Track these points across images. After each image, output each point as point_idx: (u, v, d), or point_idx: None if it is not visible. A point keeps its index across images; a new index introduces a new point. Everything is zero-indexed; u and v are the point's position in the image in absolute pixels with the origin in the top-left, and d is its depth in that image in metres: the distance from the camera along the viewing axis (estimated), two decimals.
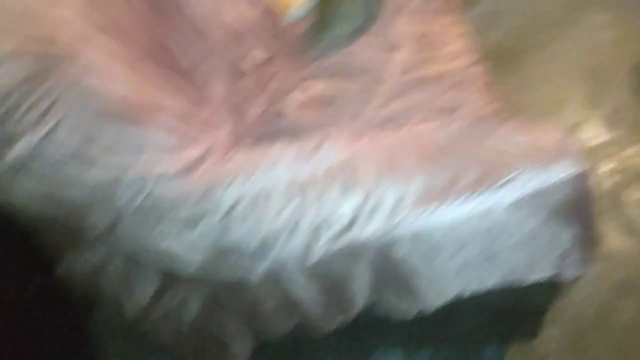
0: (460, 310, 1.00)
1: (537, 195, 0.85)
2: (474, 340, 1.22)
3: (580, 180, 0.87)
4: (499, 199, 0.84)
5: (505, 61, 1.79)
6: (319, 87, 1.22)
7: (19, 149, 0.75)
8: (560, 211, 0.87)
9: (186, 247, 0.82)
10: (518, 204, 0.84)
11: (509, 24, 1.94)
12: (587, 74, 1.75)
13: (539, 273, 0.93)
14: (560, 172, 0.85)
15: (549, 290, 1.03)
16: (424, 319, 0.93)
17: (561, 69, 1.80)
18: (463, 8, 1.45)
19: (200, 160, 0.86)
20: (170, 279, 0.89)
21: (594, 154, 1.56)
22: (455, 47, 1.26)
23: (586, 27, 1.87)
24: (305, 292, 0.88)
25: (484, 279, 0.91)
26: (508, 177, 0.84)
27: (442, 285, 0.91)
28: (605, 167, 1.54)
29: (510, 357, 1.24)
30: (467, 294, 0.91)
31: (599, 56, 1.82)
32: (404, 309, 0.92)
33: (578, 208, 0.90)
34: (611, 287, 1.33)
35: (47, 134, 0.75)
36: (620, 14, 1.90)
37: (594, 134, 1.62)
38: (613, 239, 1.40)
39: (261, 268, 0.84)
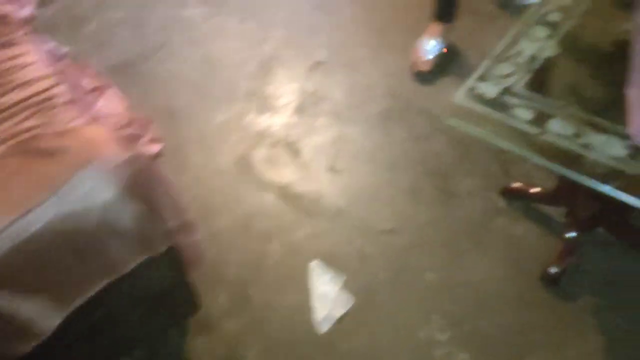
0: (115, 313, 1.21)
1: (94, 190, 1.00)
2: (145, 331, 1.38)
3: (132, 166, 1.04)
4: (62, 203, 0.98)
5: (126, 74, 2.10)
6: None
7: None
8: (126, 195, 1.04)
9: None
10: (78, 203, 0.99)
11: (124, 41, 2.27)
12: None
13: (132, 260, 1.11)
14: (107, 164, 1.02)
15: (170, 265, 1.22)
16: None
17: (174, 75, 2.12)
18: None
19: None
20: None
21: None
22: (32, 74, 1.25)
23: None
24: None
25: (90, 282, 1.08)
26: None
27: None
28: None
29: (193, 333, 1.46)
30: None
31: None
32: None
33: (140, 189, 1.06)
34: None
35: None
36: None
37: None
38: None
39: None
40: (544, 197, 1.55)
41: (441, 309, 1.42)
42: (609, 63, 1.23)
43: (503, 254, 1.49)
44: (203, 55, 2.20)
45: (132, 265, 1.10)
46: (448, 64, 1.97)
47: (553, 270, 1.41)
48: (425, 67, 1.94)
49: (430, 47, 1.95)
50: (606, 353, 1.29)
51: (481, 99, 1.16)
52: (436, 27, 1.95)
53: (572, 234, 1.42)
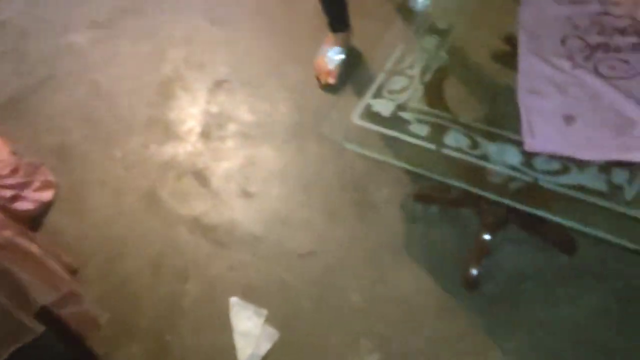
0: None
1: None
2: None
3: None
4: None
5: (9, 113, 1.99)
6: None
7: None
8: None
9: None
10: None
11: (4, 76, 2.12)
12: None
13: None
14: None
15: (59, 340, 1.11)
16: None
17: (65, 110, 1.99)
18: None
19: None
20: None
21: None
22: None
23: None
24: None
25: None
26: None
27: None
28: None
29: None
30: None
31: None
32: None
33: None
34: None
35: None
36: None
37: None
38: None
39: None
40: (456, 201, 1.55)
41: (369, 330, 1.38)
42: (502, 64, 1.24)
43: (425, 263, 1.48)
44: (95, 84, 2.05)
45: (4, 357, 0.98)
46: (352, 71, 1.94)
47: (472, 273, 1.41)
48: (329, 78, 1.90)
49: (331, 57, 1.91)
50: (531, 349, 1.30)
51: (377, 118, 1.13)
52: (334, 37, 1.91)
53: (486, 236, 1.43)
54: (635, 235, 0.93)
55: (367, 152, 1.12)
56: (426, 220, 1.56)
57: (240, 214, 1.65)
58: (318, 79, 1.93)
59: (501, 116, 1.15)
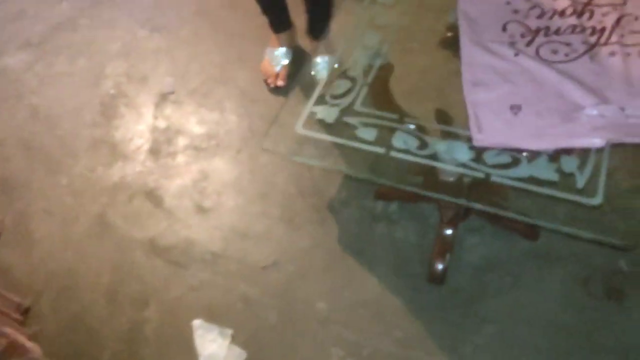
0: None
1: None
2: None
3: None
4: None
5: None
6: None
7: None
8: None
9: None
10: None
11: None
12: None
13: None
14: None
15: None
16: None
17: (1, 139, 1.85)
18: None
19: None
20: None
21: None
22: None
23: None
24: None
25: None
26: None
27: None
28: None
29: None
30: None
31: None
32: None
33: None
34: None
35: None
36: None
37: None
38: None
39: None
40: (415, 196, 1.53)
41: (339, 338, 1.35)
42: (451, 50, 1.20)
43: (389, 262, 1.45)
44: (33, 109, 1.95)
45: None
46: (300, 70, 1.89)
47: (438, 268, 1.39)
48: (277, 81, 1.85)
49: (277, 58, 1.86)
50: (501, 341, 1.29)
51: (322, 126, 1.09)
52: (278, 38, 1.86)
53: (448, 231, 1.41)
54: (590, 223, 0.92)
55: (315, 163, 1.08)
56: (388, 218, 1.53)
57: (196, 231, 1.59)
58: (266, 82, 1.87)
59: (451, 108, 1.12)
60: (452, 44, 1.20)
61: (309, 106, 1.10)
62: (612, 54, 1.11)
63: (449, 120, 1.09)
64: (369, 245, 1.49)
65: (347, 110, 1.10)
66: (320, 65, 1.27)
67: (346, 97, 1.12)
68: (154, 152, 1.78)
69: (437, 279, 1.40)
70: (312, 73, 1.20)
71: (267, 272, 1.48)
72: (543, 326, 1.30)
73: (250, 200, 1.63)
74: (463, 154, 1.01)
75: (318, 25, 1.74)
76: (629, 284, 1.33)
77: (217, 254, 1.53)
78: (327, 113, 1.09)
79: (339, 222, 1.55)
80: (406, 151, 1.02)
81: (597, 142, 0.98)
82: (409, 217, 1.53)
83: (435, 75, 1.20)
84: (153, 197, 1.67)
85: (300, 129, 1.08)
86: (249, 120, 1.81)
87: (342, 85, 1.15)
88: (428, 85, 1.19)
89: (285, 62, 1.86)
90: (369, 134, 1.05)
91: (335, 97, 1.12)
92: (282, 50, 1.86)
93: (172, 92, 1.93)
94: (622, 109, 1.01)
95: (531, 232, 1.44)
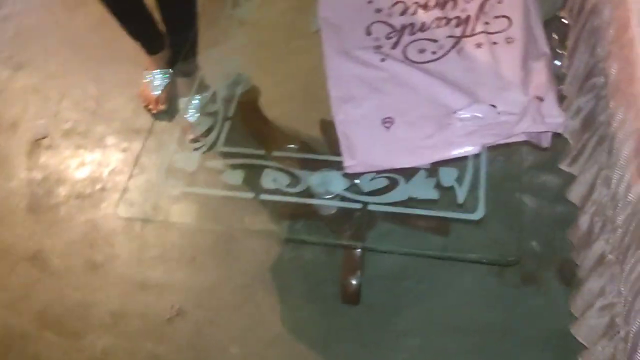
0: None
1: None
2: None
3: None
4: None
5: None
6: None
7: None
8: None
9: None
10: None
11: None
12: None
13: None
14: None
15: None
16: None
17: None
18: None
19: None
20: None
21: None
22: None
23: None
24: None
25: None
26: None
27: None
28: None
29: None
30: None
31: None
32: None
33: None
34: None
35: None
36: None
37: None
38: None
39: None
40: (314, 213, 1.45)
41: None
42: (314, 70, 1.11)
43: (301, 288, 1.37)
44: None
45: None
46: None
47: (351, 287, 1.32)
48: (158, 106, 1.71)
49: (154, 82, 1.71)
50: (424, 353, 1.25)
51: (184, 176, 0.97)
52: (152, 60, 1.71)
53: (356, 249, 1.34)
54: (476, 238, 0.87)
55: (185, 222, 0.97)
56: (294, 241, 1.45)
57: (90, 291, 1.44)
58: (147, 108, 1.73)
59: (326, 130, 1.04)
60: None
61: (169, 154, 0.99)
62: (479, 45, 1.05)
63: (322, 144, 1.01)
64: (277, 273, 1.40)
65: (209, 154, 0.99)
66: (187, 107, 1.13)
67: (207, 138, 1.01)
68: (33, 209, 1.61)
69: (351, 298, 1.33)
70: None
71: (173, 324, 1.36)
72: (466, 328, 1.26)
73: (146, 245, 1.50)
74: (337, 184, 0.93)
75: (178, 54, 1.59)
76: (543, 266, 1.31)
77: (117, 313, 1.40)
78: (187, 160, 0.98)
79: (243, 252, 1.45)
80: (276, 191, 0.93)
81: (472, 149, 0.92)
82: (317, 234, 1.45)
83: (307, 91, 1.11)
84: (38, 261, 1.51)
85: (162, 182, 0.96)
86: (135, 154, 1.66)
87: (203, 122, 1.04)
88: (298, 103, 1.09)
89: (164, 84, 1.72)
90: (235, 177, 0.95)
91: (195, 140, 1.01)
92: (159, 72, 1.72)
93: (46, 136, 1.75)
94: (494, 107, 0.96)
95: (441, 227, 1.39)
